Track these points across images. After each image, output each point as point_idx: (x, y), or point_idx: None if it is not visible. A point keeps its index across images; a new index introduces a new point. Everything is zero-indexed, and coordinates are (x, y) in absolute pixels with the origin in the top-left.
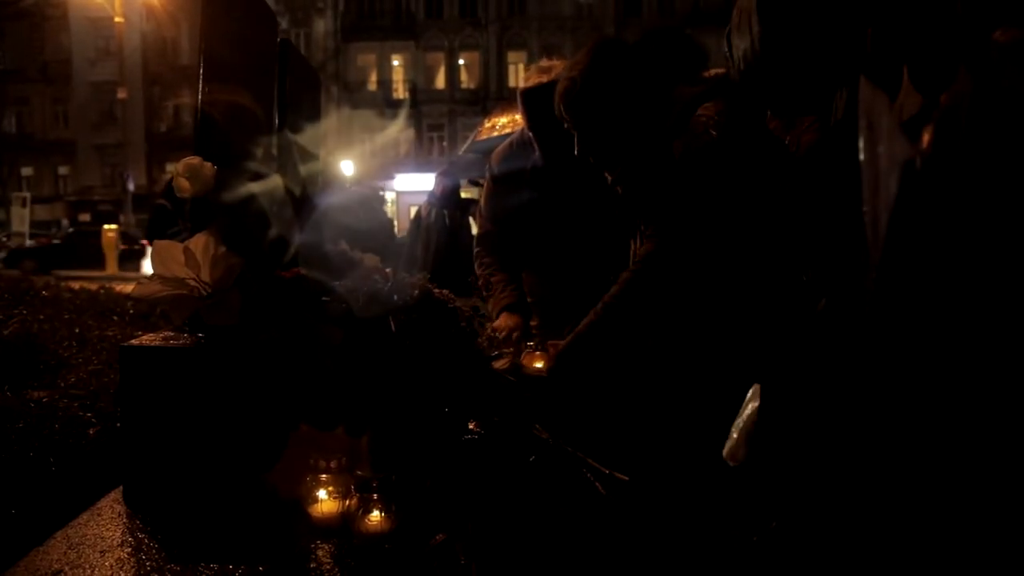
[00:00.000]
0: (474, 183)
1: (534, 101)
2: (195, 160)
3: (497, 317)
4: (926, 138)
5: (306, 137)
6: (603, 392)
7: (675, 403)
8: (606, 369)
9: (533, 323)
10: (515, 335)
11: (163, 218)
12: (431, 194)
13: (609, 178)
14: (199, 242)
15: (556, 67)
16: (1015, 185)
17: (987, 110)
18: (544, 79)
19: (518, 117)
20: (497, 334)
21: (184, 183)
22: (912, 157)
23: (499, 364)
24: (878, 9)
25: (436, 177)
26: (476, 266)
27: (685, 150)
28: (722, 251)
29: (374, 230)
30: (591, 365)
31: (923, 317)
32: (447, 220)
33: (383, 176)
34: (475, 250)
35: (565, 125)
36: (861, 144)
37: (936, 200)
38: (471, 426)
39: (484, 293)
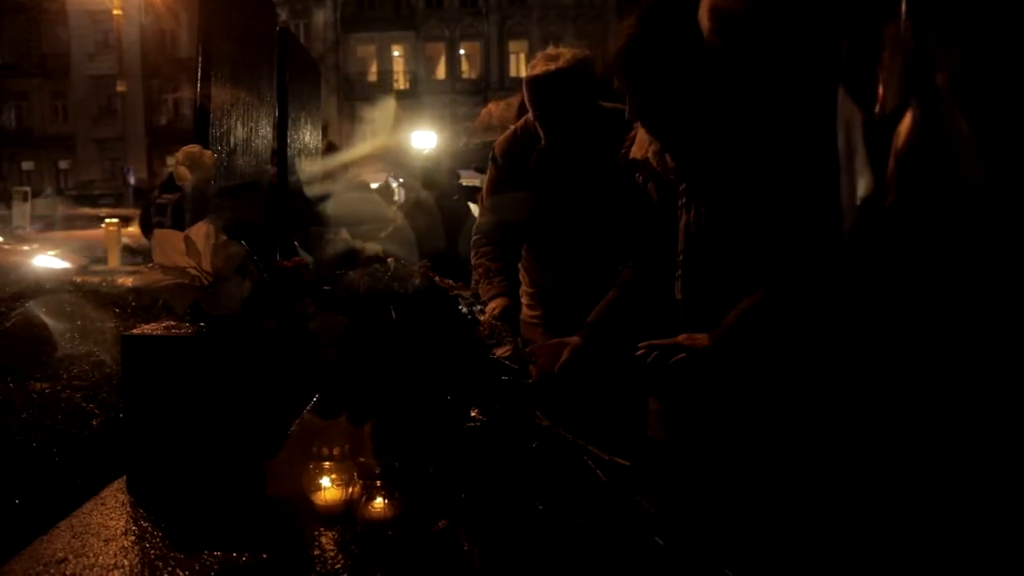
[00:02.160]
0: (480, 171)
1: (542, 89)
2: (195, 148)
3: (489, 303)
4: (900, 140)
5: (305, 129)
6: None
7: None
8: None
9: (536, 313)
10: (497, 318)
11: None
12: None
13: (649, 150)
14: (200, 231)
15: (563, 55)
16: (962, 214)
17: (933, 142)
18: (552, 67)
19: (511, 101)
20: (492, 319)
21: (184, 172)
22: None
23: (500, 352)
24: (851, 22)
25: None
26: (473, 254)
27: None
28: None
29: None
30: (760, 342)
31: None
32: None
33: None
34: (474, 238)
35: (616, 85)
36: (840, 142)
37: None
38: (473, 413)
39: (479, 280)
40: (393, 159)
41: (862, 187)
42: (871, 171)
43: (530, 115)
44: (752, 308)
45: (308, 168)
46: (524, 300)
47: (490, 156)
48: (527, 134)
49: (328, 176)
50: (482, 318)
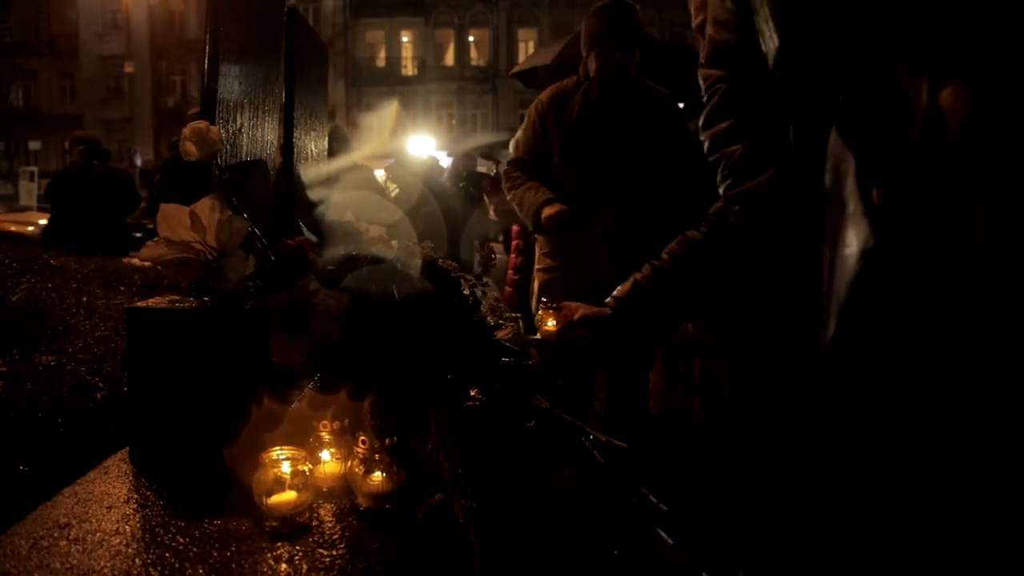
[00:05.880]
0: (486, 157)
1: (611, 13)
2: (202, 124)
3: (541, 209)
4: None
5: (312, 112)
6: None
7: None
8: None
9: (552, 263)
10: (557, 220)
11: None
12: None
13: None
14: (205, 206)
15: None
16: (966, 277)
17: (938, 202)
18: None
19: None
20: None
21: (191, 147)
22: (871, 246)
23: (502, 334)
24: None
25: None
26: (504, 182)
27: None
28: None
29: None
30: None
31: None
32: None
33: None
34: (505, 169)
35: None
36: (827, 183)
37: (893, 286)
38: (473, 393)
39: (518, 189)
40: (394, 157)
41: (853, 238)
42: (867, 221)
43: (581, 70)
44: None
45: (314, 151)
46: (541, 250)
47: (534, 106)
48: (577, 86)
49: (333, 163)
50: (549, 211)
